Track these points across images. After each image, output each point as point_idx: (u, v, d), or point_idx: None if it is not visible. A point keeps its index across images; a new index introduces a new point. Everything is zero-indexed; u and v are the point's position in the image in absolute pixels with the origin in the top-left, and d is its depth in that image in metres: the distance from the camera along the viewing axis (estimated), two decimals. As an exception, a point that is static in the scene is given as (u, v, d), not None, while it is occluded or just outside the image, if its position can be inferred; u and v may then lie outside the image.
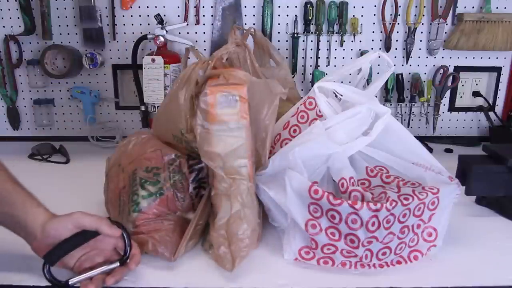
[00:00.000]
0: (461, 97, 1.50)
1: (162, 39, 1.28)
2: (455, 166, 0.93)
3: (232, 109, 0.73)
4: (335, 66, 1.43)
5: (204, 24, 1.38)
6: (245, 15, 1.39)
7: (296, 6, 1.38)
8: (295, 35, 1.39)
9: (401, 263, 0.76)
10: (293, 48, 1.41)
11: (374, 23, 1.41)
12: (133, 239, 0.75)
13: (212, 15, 1.38)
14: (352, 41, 1.41)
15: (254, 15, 1.39)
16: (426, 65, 1.45)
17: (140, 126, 1.41)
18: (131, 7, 1.36)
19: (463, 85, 1.49)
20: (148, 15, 1.36)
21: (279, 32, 1.40)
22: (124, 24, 1.37)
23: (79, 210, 0.69)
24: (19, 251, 0.72)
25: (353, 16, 1.39)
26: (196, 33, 1.39)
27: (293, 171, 0.73)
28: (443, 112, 1.49)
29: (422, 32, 1.42)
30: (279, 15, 1.39)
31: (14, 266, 0.72)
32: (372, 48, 1.42)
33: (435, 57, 1.44)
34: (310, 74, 1.43)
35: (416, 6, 1.39)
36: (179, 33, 1.35)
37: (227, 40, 1.16)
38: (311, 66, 1.43)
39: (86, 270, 0.69)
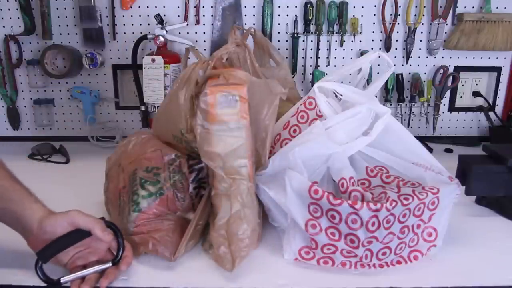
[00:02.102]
0: (461, 97, 1.50)
1: (162, 39, 1.28)
2: (455, 166, 0.93)
3: (232, 109, 0.73)
4: (335, 66, 1.43)
5: (204, 24, 1.39)
6: (245, 15, 1.39)
7: (296, 6, 1.38)
8: (295, 35, 1.39)
9: (401, 263, 0.76)
10: (293, 48, 1.41)
11: (374, 23, 1.41)
12: (133, 239, 0.75)
13: (212, 15, 1.38)
14: (352, 41, 1.41)
15: (254, 15, 1.39)
16: (426, 65, 1.45)
17: (140, 126, 1.41)
18: (131, 7, 1.36)
19: (463, 85, 1.49)
20: (148, 15, 1.36)
21: (279, 32, 1.40)
22: (124, 24, 1.37)
23: (79, 210, 0.69)
24: (20, 252, 0.72)
25: (353, 16, 1.39)
26: (196, 33, 1.39)
27: (293, 171, 0.73)
28: (443, 112, 1.49)
29: (422, 32, 1.42)
30: (279, 15, 1.39)
31: (14, 266, 0.72)
32: (372, 48, 1.42)
33: (435, 57, 1.44)
34: (310, 74, 1.43)
35: (416, 6, 1.39)
36: (179, 33, 1.35)
37: (227, 40, 1.16)
38: (311, 66, 1.43)
39: (79, 268, 0.69)
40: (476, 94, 1.49)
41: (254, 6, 1.38)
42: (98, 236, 0.68)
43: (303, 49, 1.42)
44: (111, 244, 0.71)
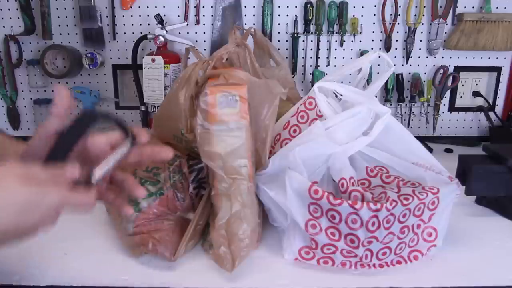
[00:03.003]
0: (461, 97, 1.50)
1: (162, 39, 1.28)
2: (455, 166, 0.93)
3: (232, 109, 0.73)
4: (335, 66, 1.43)
5: (204, 24, 1.39)
6: (245, 15, 1.39)
7: (296, 6, 1.38)
8: (295, 35, 1.39)
9: (401, 263, 0.76)
10: (293, 48, 1.41)
11: (374, 23, 1.41)
12: (133, 239, 0.75)
13: (212, 15, 1.38)
14: (352, 41, 1.41)
15: (254, 15, 1.39)
16: (426, 65, 1.45)
17: (140, 126, 1.41)
18: (131, 7, 1.36)
19: (463, 85, 1.49)
20: (148, 15, 1.36)
21: (279, 32, 1.40)
22: (124, 24, 1.37)
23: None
24: (19, 251, 0.72)
25: (353, 16, 1.39)
26: (196, 33, 1.39)
27: (293, 171, 0.73)
28: (443, 112, 1.49)
29: (422, 32, 1.42)
30: (279, 15, 1.39)
31: (14, 266, 0.72)
32: (372, 48, 1.42)
33: (435, 57, 1.44)
34: (310, 74, 1.43)
35: (416, 6, 1.39)
36: (179, 33, 1.35)
37: (227, 40, 1.16)
38: (311, 66, 1.43)
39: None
40: (476, 94, 1.49)
41: (254, 6, 1.38)
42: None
43: (303, 49, 1.42)
44: (111, 138, 0.60)
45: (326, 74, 1.40)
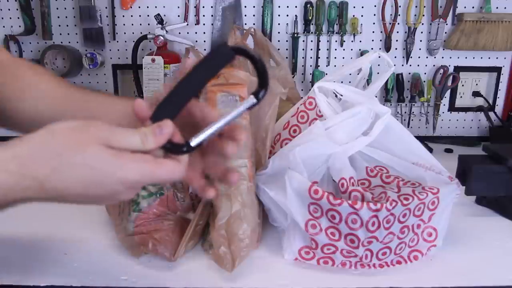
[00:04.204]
0: (461, 97, 1.50)
1: (162, 39, 1.28)
2: (455, 166, 0.93)
3: (232, 109, 0.73)
4: (335, 66, 1.43)
5: (204, 24, 1.39)
6: (245, 15, 1.39)
7: (296, 6, 1.38)
8: (295, 35, 1.39)
9: (401, 263, 0.76)
10: (293, 48, 1.41)
11: (374, 23, 1.41)
12: (133, 239, 0.75)
13: (212, 15, 1.38)
14: (352, 41, 1.41)
15: (254, 15, 1.39)
16: (426, 65, 1.45)
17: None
18: (131, 7, 1.36)
19: (463, 85, 1.49)
20: (148, 15, 1.36)
21: (279, 32, 1.40)
22: (124, 24, 1.37)
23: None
24: (19, 251, 0.72)
25: (353, 16, 1.39)
26: (196, 33, 1.39)
27: (293, 171, 0.73)
28: (443, 112, 1.49)
29: (422, 32, 1.42)
30: (279, 15, 1.39)
31: (14, 266, 0.72)
32: (372, 48, 1.42)
33: (435, 57, 1.44)
34: (310, 74, 1.43)
35: (416, 6, 1.39)
36: (179, 33, 1.35)
37: (227, 40, 1.16)
38: (311, 66, 1.43)
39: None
40: (476, 94, 1.49)
41: (254, 6, 1.38)
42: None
43: (303, 49, 1.42)
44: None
45: (326, 74, 1.40)
